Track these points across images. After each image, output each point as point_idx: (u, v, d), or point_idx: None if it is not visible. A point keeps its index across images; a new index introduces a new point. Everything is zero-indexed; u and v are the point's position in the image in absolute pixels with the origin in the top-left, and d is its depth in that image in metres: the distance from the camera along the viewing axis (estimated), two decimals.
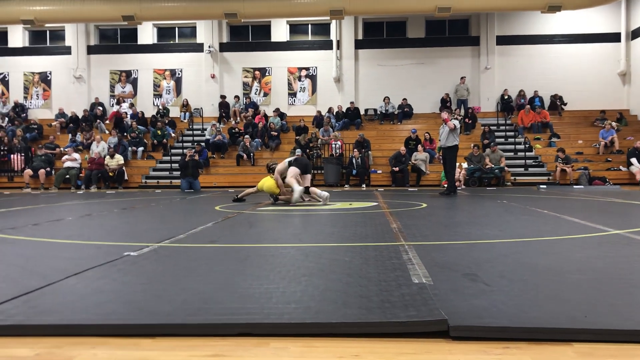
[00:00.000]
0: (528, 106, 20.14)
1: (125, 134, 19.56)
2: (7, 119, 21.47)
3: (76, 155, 17.72)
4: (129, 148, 18.85)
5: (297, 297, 2.61)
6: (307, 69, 22.33)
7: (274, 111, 20.97)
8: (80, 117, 21.10)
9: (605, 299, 2.59)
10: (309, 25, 22.68)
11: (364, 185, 16.72)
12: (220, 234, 5.20)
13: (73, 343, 2.12)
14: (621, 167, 17.03)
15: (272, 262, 3.62)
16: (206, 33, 22.20)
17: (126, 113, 21.05)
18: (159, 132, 19.49)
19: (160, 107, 21.74)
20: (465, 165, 16.38)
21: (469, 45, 21.87)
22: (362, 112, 21.22)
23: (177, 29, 23.00)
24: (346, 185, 16.83)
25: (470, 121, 19.79)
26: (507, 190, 13.84)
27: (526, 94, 21.16)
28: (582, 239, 4.67)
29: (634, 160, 16.55)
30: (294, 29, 22.72)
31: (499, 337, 2.10)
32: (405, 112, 21.01)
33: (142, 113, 21.13)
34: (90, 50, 22.85)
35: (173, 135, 20.28)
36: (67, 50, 22.78)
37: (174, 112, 21.97)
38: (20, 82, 23.11)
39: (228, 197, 10.72)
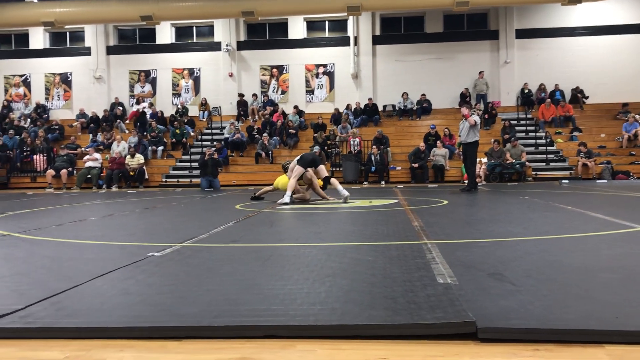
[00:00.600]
0: (549, 100, 19.88)
1: (145, 133, 19.72)
2: (29, 119, 21.78)
3: (97, 155, 17.93)
4: (149, 147, 19.01)
5: (321, 298, 2.60)
6: (324, 65, 22.29)
7: (293, 108, 20.98)
8: (100, 117, 21.34)
9: (637, 298, 2.54)
10: (326, 22, 22.63)
11: (383, 182, 16.66)
12: (241, 234, 5.21)
13: (101, 346, 2.14)
14: None
15: (295, 262, 3.61)
16: (224, 32, 22.28)
17: (145, 112, 21.22)
18: (177, 131, 19.63)
19: (179, 106, 21.89)
20: (485, 160, 16.23)
21: (487, 39, 21.65)
22: (380, 108, 21.14)
23: (194, 28, 23.12)
24: (365, 182, 16.79)
25: (489, 117, 19.56)
26: (529, 186, 13.69)
27: (547, 87, 20.89)
28: (609, 236, 4.59)
29: None
30: (311, 25, 22.69)
31: (528, 339, 2.07)
32: (424, 108, 20.87)
33: (162, 112, 21.29)
34: (110, 50, 23.07)
35: (192, 134, 20.41)
36: (87, 51, 23.03)
37: (193, 111, 22.10)
38: (42, 83, 23.43)
39: (247, 195, 10.76)
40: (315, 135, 18.71)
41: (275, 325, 2.22)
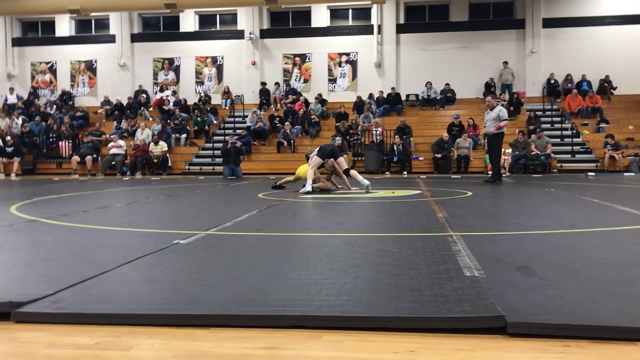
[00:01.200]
0: (575, 91, 19.51)
1: (168, 120, 19.87)
2: (55, 106, 22.08)
3: (121, 142, 18.11)
4: (172, 135, 19.14)
5: (347, 290, 2.60)
6: (347, 54, 22.17)
7: (315, 98, 20.92)
8: (124, 104, 21.54)
9: None
10: (350, 10, 22.47)
11: (405, 173, 16.56)
12: (265, 222, 5.23)
13: (130, 332, 2.16)
14: None
15: (319, 252, 3.61)
16: (247, 19, 22.26)
17: (168, 100, 21.36)
18: (198, 119, 19.74)
19: (202, 94, 21.98)
20: (509, 151, 16.02)
21: (514, 28, 21.29)
22: (403, 97, 20.96)
23: (218, 16, 23.13)
24: (387, 172, 16.71)
25: (514, 108, 19.26)
26: (554, 178, 13.50)
27: (573, 78, 20.50)
28: (638, 231, 4.50)
29: None
30: (335, 14, 22.55)
31: (558, 335, 2.04)
32: (447, 98, 20.66)
33: (185, 100, 21.41)
34: (134, 38, 23.23)
35: (215, 122, 20.50)
36: (111, 39, 23.22)
37: (216, 99, 22.17)
38: (67, 70, 23.70)
39: (270, 184, 10.79)
40: (337, 124, 18.65)
41: (302, 315, 2.22)
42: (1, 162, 17.55)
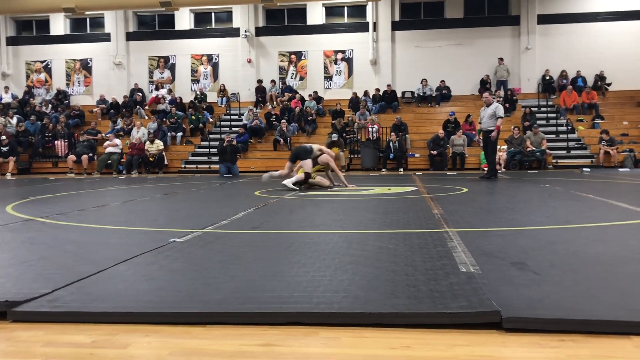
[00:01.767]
0: (570, 87, 19.56)
1: (164, 119, 19.83)
2: (50, 105, 22.01)
3: (117, 141, 18.08)
4: (168, 133, 19.12)
5: (344, 286, 2.61)
6: (343, 52, 22.16)
7: (309, 95, 20.91)
8: (120, 103, 21.49)
9: None
10: (345, 8, 22.46)
11: (401, 170, 16.59)
12: (262, 220, 5.23)
13: (127, 330, 2.17)
14: None
15: (316, 249, 3.62)
16: (242, 17, 22.22)
17: (164, 98, 21.32)
18: (193, 117, 19.71)
19: (198, 92, 21.95)
20: (505, 147, 16.05)
21: (509, 25, 21.32)
22: (399, 94, 20.98)
23: (213, 14, 23.08)
24: (383, 170, 16.73)
25: (509, 104, 19.28)
26: (549, 174, 13.53)
27: (568, 74, 20.54)
28: (634, 226, 4.52)
29: None
30: (330, 11, 22.54)
31: (553, 330, 2.05)
32: (443, 95, 20.68)
33: (180, 98, 21.37)
34: (129, 36, 23.17)
35: (211, 120, 20.47)
36: (106, 37, 23.16)
37: (212, 97, 22.14)
38: (63, 69, 23.64)
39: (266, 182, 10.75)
40: (333, 122, 18.66)
41: (299, 312, 2.23)
42: None
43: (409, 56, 21.67)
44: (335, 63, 22.21)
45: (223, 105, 21.63)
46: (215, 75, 22.83)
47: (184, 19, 22.81)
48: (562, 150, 17.14)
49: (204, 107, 20.79)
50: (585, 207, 6.05)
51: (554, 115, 19.23)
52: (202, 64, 22.86)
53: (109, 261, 3.26)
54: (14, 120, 19.98)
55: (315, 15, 22.23)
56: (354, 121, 18.56)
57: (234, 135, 17.13)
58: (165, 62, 23.04)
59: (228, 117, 20.69)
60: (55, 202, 7.66)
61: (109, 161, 17.56)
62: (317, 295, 2.45)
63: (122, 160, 17.72)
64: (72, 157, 17.65)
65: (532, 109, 18.77)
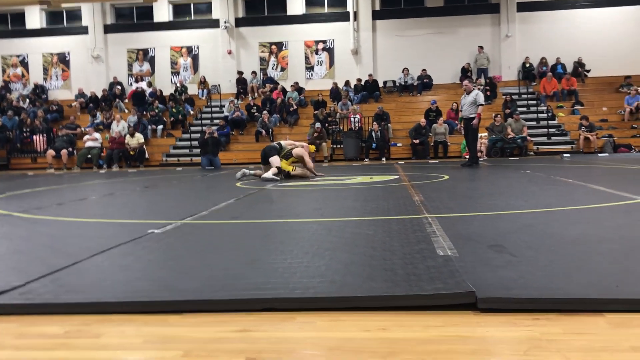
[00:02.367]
0: (550, 74, 19.71)
1: (145, 112, 19.64)
2: (28, 100, 21.68)
3: (97, 135, 17.87)
4: (149, 126, 18.94)
5: (321, 272, 2.60)
6: (324, 41, 22.08)
7: (291, 86, 20.83)
8: (99, 96, 21.23)
9: (637, 268, 2.54)
10: None
11: (384, 159, 16.62)
12: (242, 211, 5.21)
13: (101, 320, 2.14)
14: None
15: (295, 237, 3.61)
16: (222, 8, 22.01)
17: (144, 91, 21.09)
18: (174, 109, 19.55)
19: (178, 84, 21.75)
20: (485, 135, 16.14)
21: (488, 12, 21.38)
22: (380, 84, 20.98)
23: (192, 5, 22.85)
24: (366, 159, 16.75)
25: (490, 92, 19.38)
26: (530, 160, 13.66)
27: (548, 61, 20.70)
28: (610, 208, 4.58)
29: None
30: (310, 1, 22.40)
31: (528, 309, 2.06)
32: (424, 84, 20.72)
33: (160, 91, 21.16)
34: (107, 29, 22.86)
35: (192, 112, 20.31)
36: (84, 30, 22.82)
37: (192, 90, 21.96)
38: (40, 63, 23.27)
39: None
40: (315, 112, 18.61)
41: (275, 298, 2.22)
42: None
43: (390, 45, 21.66)
44: (317, 53, 22.14)
45: (204, 98, 21.48)
46: (195, 67, 22.64)
47: (162, 11, 22.56)
48: (542, 137, 17.29)
49: (184, 99, 20.62)
50: (565, 191, 6.11)
51: (534, 102, 19.37)
52: (181, 56, 22.65)
53: (84, 253, 3.21)
54: None
55: (296, 5, 22.11)
56: (336, 111, 18.54)
57: (215, 127, 17.01)
58: (145, 55, 22.79)
59: (209, 109, 20.55)
60: (34, 197, 7.56)
61: (89, 156, 17.36)
62: (293, 281, 2.44)
63: (102, 154, 17.53)
64: (51, 152, 17.42)
65: (513, 96, 18.90)
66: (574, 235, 3.36)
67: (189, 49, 22.62)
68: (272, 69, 22.34)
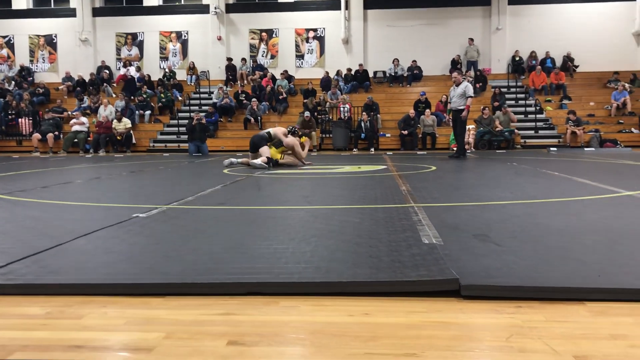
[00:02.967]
0: (539, 67, 19.79)
1: (132, 97, 19.45)
2: (13, 82, 21.38)
3: (84, 119, 17.69)
4: (137, 112, 18.76)
5: (306, 258, 2.60)
6: (315, 30, 21.97)
7: (281, 74, 20.72)
8: (87, 80, 20.99)
9: (619, 258, 2.57)
10: None
11: (372, 149, 16.62)
12: (229, 197, 5.19)
13: (83, 302, 2.13)
14: (633, 130, 16.82)
15: (282, 223, 3.61)
16: None
17: (132, 76, 20.88)
18: (162, 95, 19.38)
19: (167, 70, 21.55)
20: (473, 127, 16.19)
21: (479, 5, 21.36)
22: (371, 74, 20.92)
23: None
24: (355, 149, 16.74)
25: (480, 85, 19.42)
26: (517, 153, 13.73)
27: (537, 55, 20.77)
28: (594, 201, 4.62)
29: None
30: None
31: (510, 297, 2.08)
32: (414, 75, 20.70)
33: (149, 76, 20.95)
34: (96, 12, 22.56)
35: (180, 98, 20.15)
36: (72, 13, 22.50)
37: (181, 75, 21.76)
38: (26, 45, 22.93)
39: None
40: (305, 101, 18.54)
41: (260, 282, 2.22)
42: None
43: (381, 35, 21.60)
44: (307, 41, 22.02)
45: (192, 84, 21.30)
46: (184, 52, 22.44)
47: None
48: (530, 130, 17.37)
49: (173, 84, 20.44)
50: (550, 184, 6.15)
51: (522, 95, 19.45)
52: (171, 41, 22.43)
53: (68, 235, 3.19)
54: None
55: None
56: (326, 101, 18.48)
57: (204, 114, 16.90)
58: (133, 39, 22.54)
59: (197, 95, 20.41)
60: (18, 180, 7.48)
61: (76, 140, 17.18)
62: (278, 266, 2.43)
63: (89, 138, 17.35)
64: (37, 135, 17.22)
65: (502, 89, 18.94)
66: (558, 226, 3.39)
67: (179, 34, 22.41)
68: (262, 56, 22.21)
